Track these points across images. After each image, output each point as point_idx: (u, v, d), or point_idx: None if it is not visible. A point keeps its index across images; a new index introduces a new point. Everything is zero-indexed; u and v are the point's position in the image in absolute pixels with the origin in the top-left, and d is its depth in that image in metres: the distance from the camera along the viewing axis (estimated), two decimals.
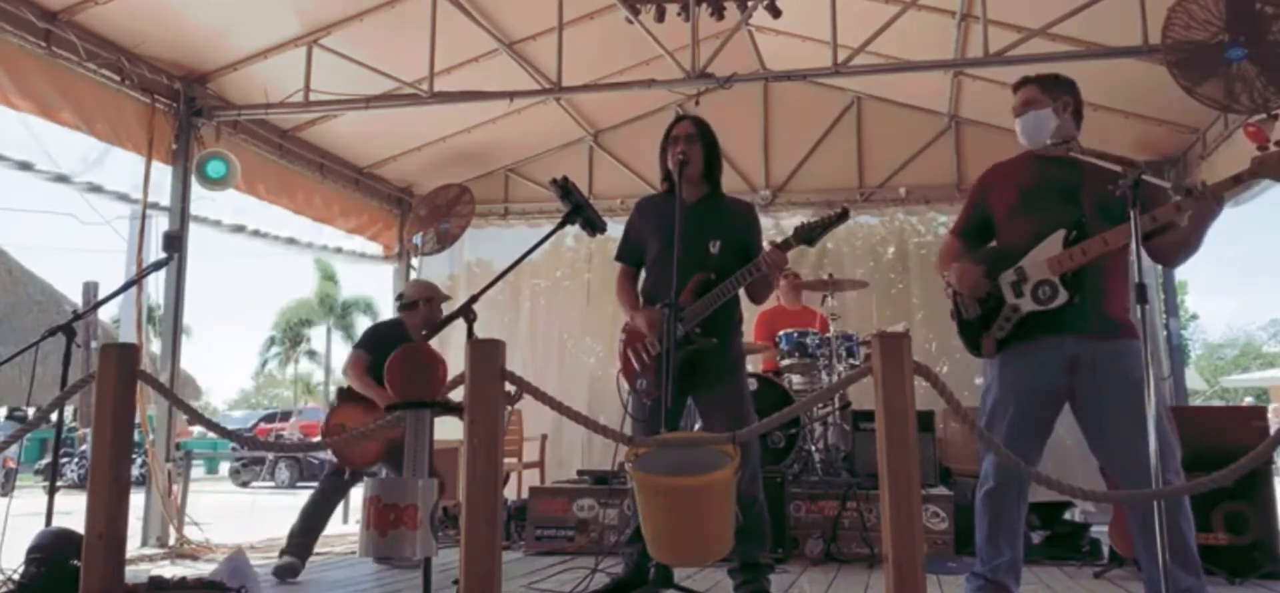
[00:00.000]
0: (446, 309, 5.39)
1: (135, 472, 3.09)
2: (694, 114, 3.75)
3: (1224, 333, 42.84)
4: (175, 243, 5.52)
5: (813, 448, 5.72)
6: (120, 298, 5.73)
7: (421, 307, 5.08)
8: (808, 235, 3.34)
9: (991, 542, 3.05)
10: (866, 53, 5.73)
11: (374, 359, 4.77)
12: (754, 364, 6.27)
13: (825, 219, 3.35)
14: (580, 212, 3.36)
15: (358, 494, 4.34)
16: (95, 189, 5.84)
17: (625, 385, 3.49)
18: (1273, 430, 4.27)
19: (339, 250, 8.22)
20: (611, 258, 3.76)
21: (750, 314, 5.83)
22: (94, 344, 5.97)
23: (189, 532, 5.90)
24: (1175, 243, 2.95)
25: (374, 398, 4.74)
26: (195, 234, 6.48)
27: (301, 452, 18.39)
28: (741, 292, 3.43)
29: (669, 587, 3.38)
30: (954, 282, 3.08)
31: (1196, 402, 21.28)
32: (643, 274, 3.62)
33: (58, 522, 3.98)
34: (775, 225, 7.37)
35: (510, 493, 6.62)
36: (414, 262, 8.58)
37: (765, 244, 3.45)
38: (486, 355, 2.26)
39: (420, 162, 8.02)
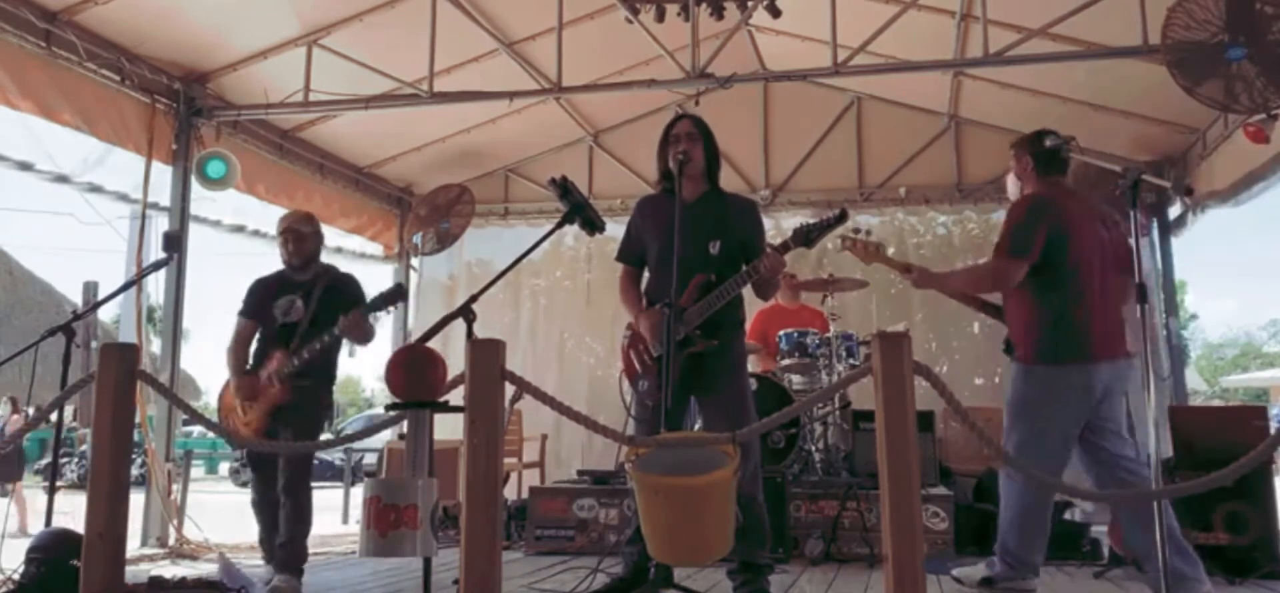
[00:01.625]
0: (445, 309, 5.35)
1: (135, 472, 3.10)
2: (693, 113, 3.75)
3: (1224, 333, 42.78)
4: (175, 243, 5.52)
5: (813, 448, 5.71)
6: (120, 298, 5.74)
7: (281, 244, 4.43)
8: (806, 237, 3.34)
9: None
10: (866, 53, 5.72)
11: (262, 325, 4.28)
12: (753, 364, 6.27)
13: (824, 221, 3.35)
14: (579, 211, 3.36)
15: (358, 494, 4.29)
16: (95, 189, 5.85)
17: (628, 387, 3.50)
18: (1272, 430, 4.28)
19: (339, 250, 8.20)
20: (611, 258, 3.76)
21: (748, 314, 5.84)
22: (94, 344, 5.98)
23: (189, 532, 5.90)
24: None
25: (230, 373, 4.24)
26: (195, 234, 6.49)
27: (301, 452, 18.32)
28: (748, 290, 3.43)
29: (669, 587, 3.38)
30: None
31: (1196, 402, 21.26)
32: (646, 274, 3.62)
33: (58, 522, 3.98)
34: (775, 226, 7.36)
35: (510, 493, 6.61)
36: (414, 261, 8.58)
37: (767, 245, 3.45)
38: (486, 355, 2.26)
39: (420, 161, 8.02)
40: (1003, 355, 3.78)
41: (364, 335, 4.14)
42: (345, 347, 4.31)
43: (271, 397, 4.11)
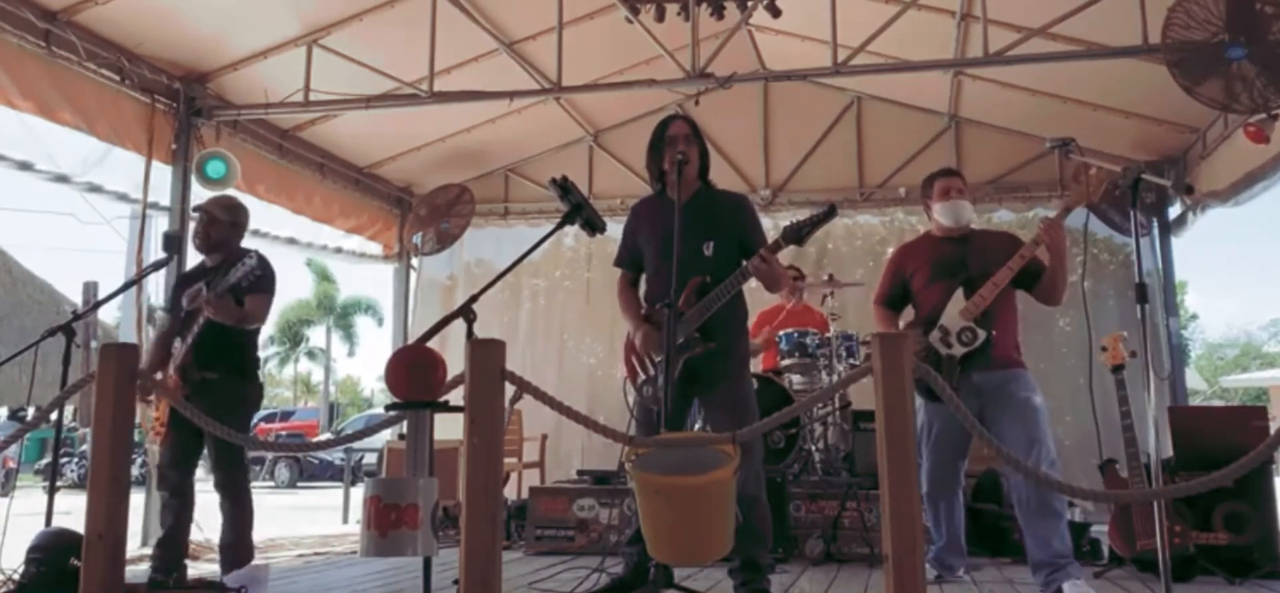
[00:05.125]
0: (445, 310, 5.32)
1: (135, 472, 3.09)
2: (683, 113, 3.74)
3: (1224, 333, 42.77)
4: (175, 243, 5.51)
5: (813, 448, 5.71)
6: (120, 298, 5.73)
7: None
8: (796, 235, 3.34)
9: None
10: (866, 53, 5.73)
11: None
12: (754, 364, 6.26)
13: (813, 218, 3.35)
14: (579, 211, 3.36)
15: (358, 494, 4.27)
16: (95, 189, 5.84)
17: (631, 389, 3.49)
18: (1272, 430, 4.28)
19: (339, 250, 8.21)
20: (611, 257, 3.76)
21: (750, 313, 5.84)
22: (94, 344, 5.97)
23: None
24: (1053, 281, 3.66)
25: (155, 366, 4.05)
26: None
27: (301, 452, 18.43)
28: (751, 289, 3.43)
29: (669, 587, 3.38)
30: None
31: (1196, 402, 21.26)
32: (644, 280, 3.62)
33: (58, 522, 3.98)
34: (775, 226, 7.34)
35: (510, 493, 6.61)
36: (414, 261, 8.59)
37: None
38: (486, 355, 2.26)
39: (420, 162, 8.02)
40: None
41: (214, 312, 3.81)
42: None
43: (170, 395, 3.82)
